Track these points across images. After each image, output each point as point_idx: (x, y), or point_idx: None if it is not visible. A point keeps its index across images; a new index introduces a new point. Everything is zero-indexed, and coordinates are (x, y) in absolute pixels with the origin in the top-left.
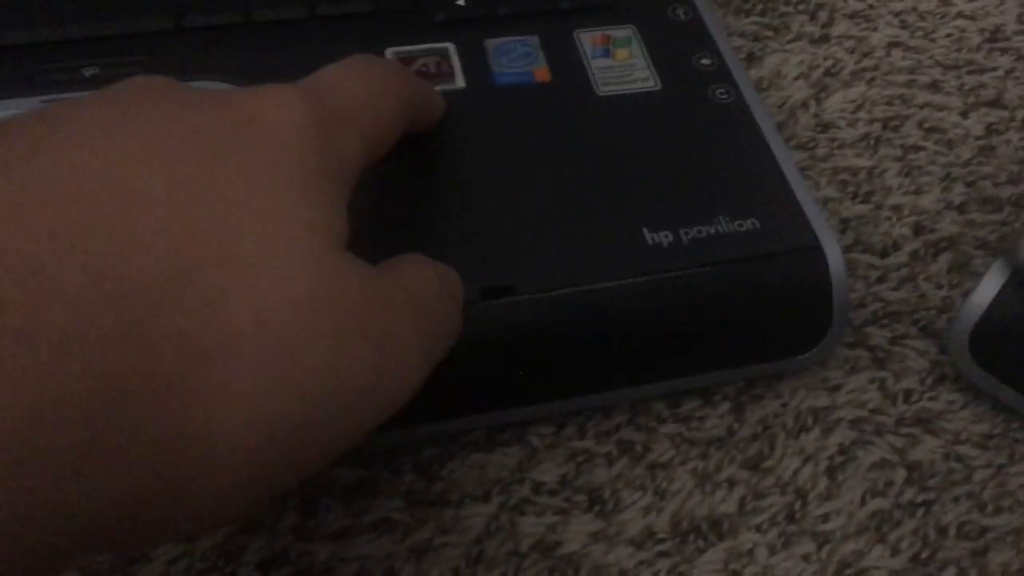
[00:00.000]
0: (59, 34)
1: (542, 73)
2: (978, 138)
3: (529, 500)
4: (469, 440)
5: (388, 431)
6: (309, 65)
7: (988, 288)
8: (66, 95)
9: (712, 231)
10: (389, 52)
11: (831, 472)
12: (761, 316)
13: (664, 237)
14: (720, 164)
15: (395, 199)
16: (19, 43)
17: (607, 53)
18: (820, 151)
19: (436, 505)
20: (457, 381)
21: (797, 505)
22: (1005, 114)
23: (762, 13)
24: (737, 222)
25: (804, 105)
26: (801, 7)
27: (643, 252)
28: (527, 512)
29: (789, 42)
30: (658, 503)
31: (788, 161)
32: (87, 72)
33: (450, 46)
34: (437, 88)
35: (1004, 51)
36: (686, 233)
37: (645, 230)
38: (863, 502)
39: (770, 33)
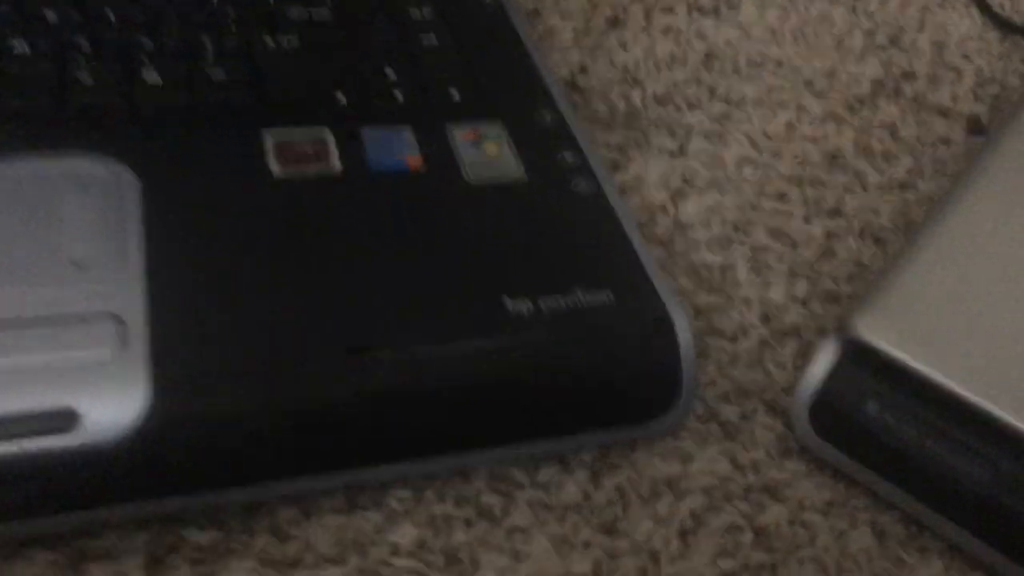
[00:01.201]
0: None
1: (415, 161)
2: (819, 241)
3: (385, 562)
4: (327, 503)
5: (243, 488)
6: (195, 145)
7: (823, 361)
8: None
9: (570, 302)
10: (268, 134)
11: (683, 535)
12: (614, 383)
13: (524, 305)
14: (579, 244)
15: (271, 263)
16: None
17: (477, 146)
18: (677, 247)
19: (290, 567)
20: (316, 437)
21: (650, 566)
22: (843, 222)
23: (627, 127)
24: (593, 293)
25: (663, 207)
26: (661, 125)
27: (503, 318)
28: (383, 574)
29: (650, 155)
30: (515, 565)
31: (641, 245)
32: None
33: (326, 130)
34: (314, 170)
35: (843, 169)
36: (544, 302)
37: (506, 297)
38: (713, 562)
39: (633, 146)
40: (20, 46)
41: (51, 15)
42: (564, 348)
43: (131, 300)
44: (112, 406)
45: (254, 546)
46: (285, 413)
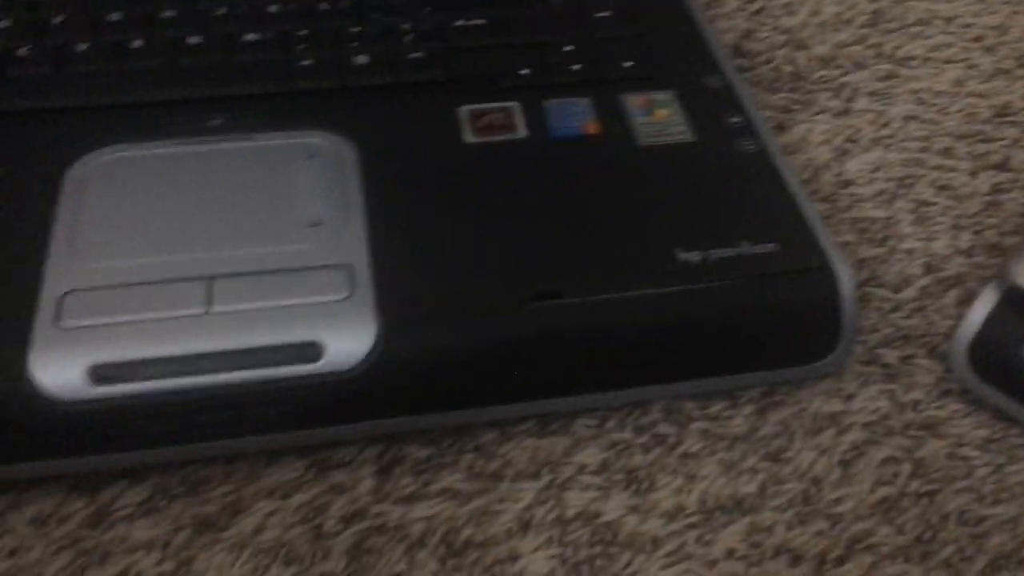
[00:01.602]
0: (185, 93)
1: (592, 127)
2: (985, 195)
3: (574, 479)
4: (523, 428)
5: (453, 412)
6: (400, 118)
7: (983, 306)
8: (194, 139)
9: (736, 252)
10: (463, 109)
11: (844, 464)
12: (778, 327)
13: (693, 256)
14: (744, 200)
15: (469, 218)
16: (154, 101)
17: (649, 112)
18: (841, 203)
19: (493, 479)
20: (512, 370)
21: (812, 490)
22: (1010, 175)
23: (791, 90)
24: (758, 246)
25: (827, 166)
26: (825, 85)
27: (675, 268)
28: (572, 488)
29: (814, 115)
30: (688, 485)
31: (804, 199)
32: (212, 122)
33: (514, 104)
34: (502, 138)
35: (1012, 124)
36: (713, 253)
37: (677, 250)
38: (872, 490)
39: (797, 107)
40: (251, 37)
41: (275, 8)
42: (732, 295)
43: (357, 251)
44: (348, 340)
45: (462, 462)
46: (486, 349)
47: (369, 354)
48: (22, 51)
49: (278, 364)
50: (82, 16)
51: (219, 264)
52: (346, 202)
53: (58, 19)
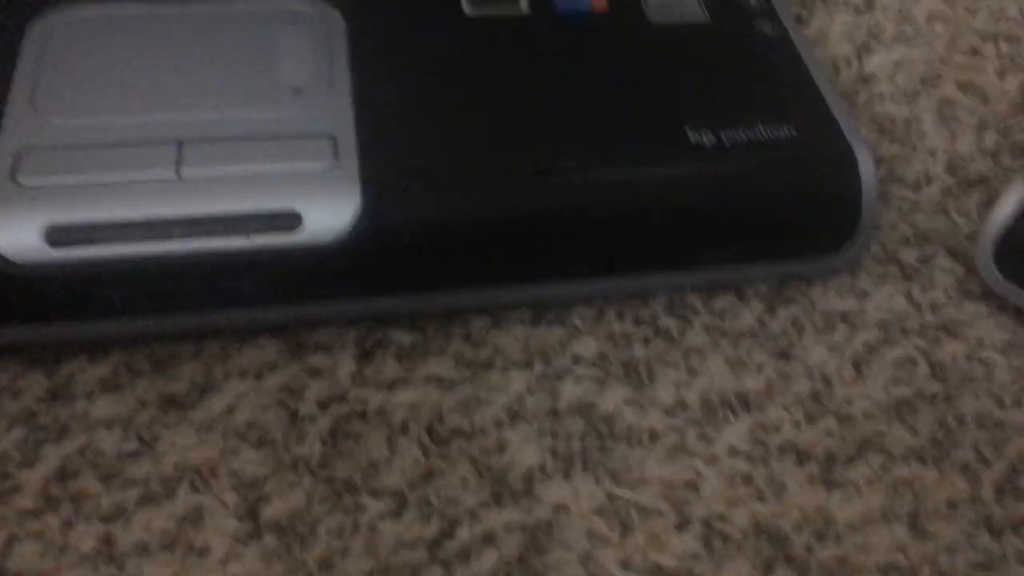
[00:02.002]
0: None
1: (599, 3)
2: (1013, 96)
3: (568, 369)
4: (516, 316)
5: (441, 293)
6: None
7: (1010, 203)
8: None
9: (751, 134)
10: None
11: (856, 363)
12: (792, 214)
13: (706, 136)
14: (761, 81)
15: (464, 91)
16: None
17: None
18: (860, 99)
19: (482, 367)
20: (505, 249)
21: (822, 389)
22: None
23: None
24: (774, 128)
25: (847, 61)
26: None
27: (684, 147)
28: (566, 379)
29: (836, 9)
30: (689, 380)
31: (825, 83)
32: None
33: None
34: (503, 11)
35: None
36: (726, 133)
37: (688, 129)
38: (886, 390)
39: (818, 1)
40: None
41: None
42: (745, 178)
43: (341, 121)
44: (329, 211)
45: (450, 348)
46: (477, 224)
47: (352, 226)
48: None
49: (253, 232)
50: None
51: (192, 127)
52: (332, 70)
53: None
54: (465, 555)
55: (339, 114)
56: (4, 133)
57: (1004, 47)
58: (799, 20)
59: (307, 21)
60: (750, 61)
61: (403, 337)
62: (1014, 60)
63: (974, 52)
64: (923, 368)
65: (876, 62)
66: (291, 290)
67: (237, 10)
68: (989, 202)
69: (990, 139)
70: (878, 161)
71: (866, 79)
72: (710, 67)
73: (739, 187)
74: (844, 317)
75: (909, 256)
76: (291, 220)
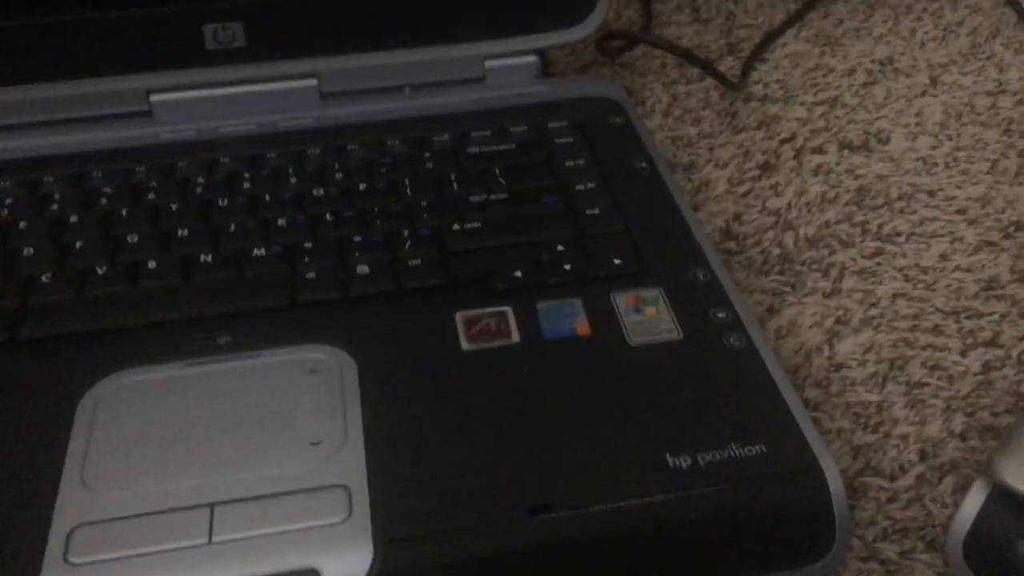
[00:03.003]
0: (196, 312)
1: (583, 328)
2: (976, 374)
3: None
4: None
5: None
6: (398, 327)
7: (974, 502)
8: (203, 359)
9: (725, 455)
10: (459, 316)
11: None
12: (770, 531)
13: (684, 461)
14: (732, 399)
15: (463, 429)
16: (166, 320)
17: (638, 311)
18: (834, 388)
19: None
20: None
21: None
22: (1001, 352)
23: (780, 272)
24: (747, 447)
25: (819, 349)
26: (815, 266)
27: (666, 474)
28: None
29: (804, 296)
30: None
31: (791, 396)
32: (221, 340)
33: (508, 309)
34: (497, 343)
35: (1000, 298)
36: (702, 457)
37: (668, 455)
38: None
39: (788, 289)
40: (259, 252)
41: (282, 221)
42: (722, 500)
43: (355, 470)
44: (345, 564)
45: None
46: (482, 565)
47: None
48: (45, 277)
49: None
50: (101, 238)
51: (220, 490)
52: (345, 418)
53: (79, 243)
54: None
55: (352, 463)
56: (57, 513)
57: (965, 323)
58: (771, 310)
59: (323, 368)
60: (721, 379)
61: None
62: (975, 335)
63: (937, 330)
64: None
65: (846, 348)
66: None
67: (261, 363)
68: (962, 487)
69: (958, 421)
70: (853, 451)
71: (838, 366)
72: (684, 388)
73: (717, 509)
74: None
75: (889, 551)
76: None
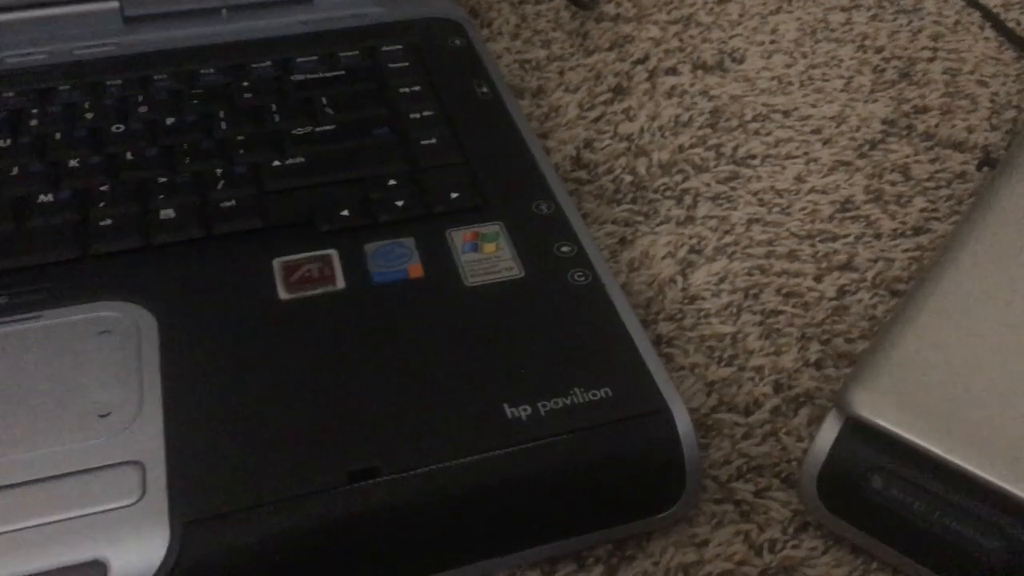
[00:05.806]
0: None
1: (415, 270)
2: (831, 299)
3: None
4: None
5: None
6: (207, 278)
7: (826, 436)
8: None
9: (568, 402)
10: (276, 262)
11: None
12: (617, 480)
13: (523, 411)
14: (576, 340)
15: (278, 388)
16: None
17: (476, 248)
18: (687, 321)
19: None
20: (330, 562)
21: None
22: (856, 275)
23: (632, 201)
24: (591, 392)
25: (672, 280)
26: (668, 193)
27: (504, 426)
28: None
29: (658, 225)
30: None
31: (640, 334)
32: None
33: (332, 252)
34: (319, 291)
35: (854, 219)
36: (543, 406)
37: (506, 405)
38: None
39: (640, 218)
40: (44, 196)
41: (73, 162)
42: (564, 451)
43: (150, 442)
44: (137, 552)
45: None
46: (296, 543)
47: (161, 566)
48: None
49: None
50: None
51: None
52: (141, 384)
53: None
54: None
55: (148, 435)
56: None
57: (820, 246)
58: (623, 241)
59: (117, 328)
60: (564, 320)
61: None
62: (830, 259)
63: (792, 255)
64: None
65: (700, 278)
66: None
67: (44, 326)
68: (817, 420)
69: (813, 350)
70: (708, 387)
71: (692, 298)
72: (525, 332)
73: (559, 461)
74: (686, 572)
75: (744, 491)
76: (97, 570)
